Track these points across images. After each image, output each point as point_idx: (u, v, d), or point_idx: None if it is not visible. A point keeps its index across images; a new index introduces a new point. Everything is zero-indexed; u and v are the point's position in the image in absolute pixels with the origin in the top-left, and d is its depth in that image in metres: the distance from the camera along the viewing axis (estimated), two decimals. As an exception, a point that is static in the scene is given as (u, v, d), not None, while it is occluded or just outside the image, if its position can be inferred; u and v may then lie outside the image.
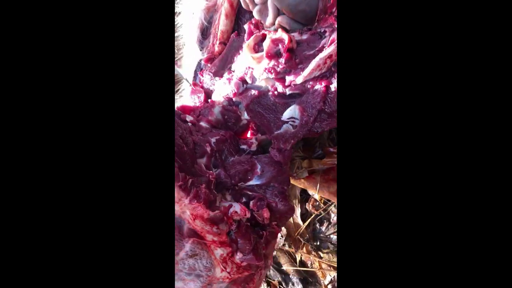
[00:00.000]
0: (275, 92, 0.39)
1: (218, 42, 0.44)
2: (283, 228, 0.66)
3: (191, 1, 0.46)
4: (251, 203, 0.40)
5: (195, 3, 0.46)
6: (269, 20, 0.41)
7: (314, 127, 0.39)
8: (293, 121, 0.39)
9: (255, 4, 0.41)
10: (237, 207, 0.38)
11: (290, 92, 0.38)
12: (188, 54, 0.49)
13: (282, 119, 0.39)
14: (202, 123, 0.40)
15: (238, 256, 0.37)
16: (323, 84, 0.37)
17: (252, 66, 0.39)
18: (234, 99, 0.41)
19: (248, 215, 0.39)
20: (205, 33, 0.47)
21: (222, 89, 0.41)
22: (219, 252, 0.36)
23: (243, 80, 0.40)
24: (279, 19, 0.41)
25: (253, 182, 0.41)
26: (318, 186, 0.65)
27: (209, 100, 0.42)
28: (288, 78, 0.38)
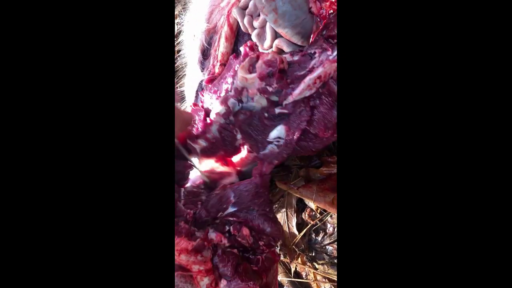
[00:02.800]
0: (265, 114, 0.40)
1: (218, 63, 0.46)
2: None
3: (192, 23, 0.48)
4: (231, 228, 0.41)
5: (196, 26, 0.48)
6: (267, 43, 0.43)
7: (301, 146, 0.40)
8: (278, 141, 0.40)
9: (253, 28, 0.42)
10: (212, 235, 0.39)
11: (279, 111, 0.39)
12: (190, 76, 0.50)
13: (268, 139, 0.40)
14: (201, 141, 0.42)
15: (222, 284, 0.37)
16: (311, 104, 0.38)
17: (246, 86, 0.40)
18: (230, 118, 0.42)
19: (225, 241, 0.39)
20: (205, 54, 0.48)
21: (219, 109, 0.43)
22: (205, 282, 0.36)
23: (238, 100, 0.41)
24: (276, 41, 0.42)
25: (230, 210, 0.41)
26: (314, 195, 0.64)
27: (208, 119, 0.43)
28: (280, 98, 0.39)
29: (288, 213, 0.68)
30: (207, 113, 0.44)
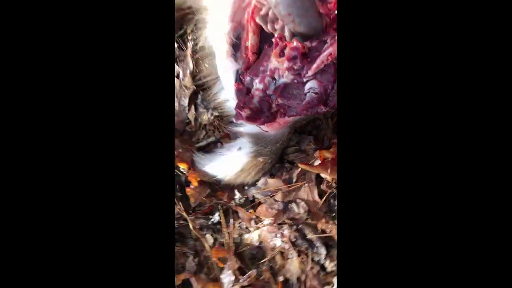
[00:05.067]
0: (295, 81, 0.56)
1: (251, 53, 0.60)
2: (305, 205, 0.81)
3: (217, 23, 0.61)
4: None
5: (222, 27, 0.61)
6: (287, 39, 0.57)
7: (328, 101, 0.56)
8: (314, 90, 0.55)
9: (275, 30, 0.60)
10: None
11: (306, 79, 0.55)
12: (225, 69, 0.67)
13: (304, 92, 0.56)
14: (247, 110, 0.58)
15: None
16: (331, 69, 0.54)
17: (278, 67, 0.56)
18: (267, 92, 0.58)
19: None
20: (235, 47, 0.62)
21: (259, 85, 0.58)
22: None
23: (272, 78, 0.57)
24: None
25: None
26: (329, 170, 0.81)
27: (250, 94, 0.59)
28: (303, 74, 0.55)
29: (310, 186, 0.83)
30: (248, 90, 0.59)
